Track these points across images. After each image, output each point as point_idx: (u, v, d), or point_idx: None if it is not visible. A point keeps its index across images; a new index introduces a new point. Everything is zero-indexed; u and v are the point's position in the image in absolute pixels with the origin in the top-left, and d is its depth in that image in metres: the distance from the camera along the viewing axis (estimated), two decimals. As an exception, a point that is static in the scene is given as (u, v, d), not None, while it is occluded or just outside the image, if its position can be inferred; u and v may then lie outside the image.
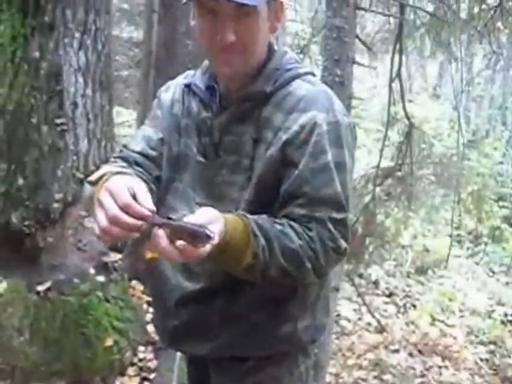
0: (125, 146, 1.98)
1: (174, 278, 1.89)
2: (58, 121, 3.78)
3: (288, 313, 1.86)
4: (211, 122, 1.82)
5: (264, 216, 1.67)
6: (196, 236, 1.42)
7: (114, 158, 1.95)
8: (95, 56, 3.95)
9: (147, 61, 7.71)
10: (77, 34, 3.82)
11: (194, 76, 1.93)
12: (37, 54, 3.70)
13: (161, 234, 1.42)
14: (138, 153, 1.93)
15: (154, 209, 1.46)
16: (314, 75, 1.88)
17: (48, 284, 3.77)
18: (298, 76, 1.81)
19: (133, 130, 11.51)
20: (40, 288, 3.75)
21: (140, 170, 1.87)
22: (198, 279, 1.84)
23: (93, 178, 1.72)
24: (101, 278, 3.92)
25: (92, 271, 3.92)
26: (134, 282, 4.40)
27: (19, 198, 3.77)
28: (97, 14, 3.91)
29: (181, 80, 1.99)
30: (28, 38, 3.68)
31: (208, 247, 1.44)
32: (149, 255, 1.52)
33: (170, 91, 1.99)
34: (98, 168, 3.91)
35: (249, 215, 1.64)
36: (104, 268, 4.00)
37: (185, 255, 1.43)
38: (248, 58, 1.72)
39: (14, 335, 3.69)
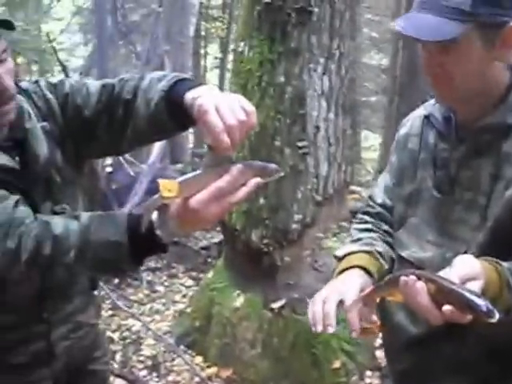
0: (370, 198, 1.99)
1: (401, 320, 1.81)
2: (300, 144, 3.88)
3: None
4: (448, 154, 1.72)
5: None
6: (471, 309, 1.25)
7: (362, 213, 2.00)
8: (338, 81, 4.02)
9: (392, 87, 7.74)
10: (321, 60, 3.91)
11: (433, 106, 1.83)
12: (282, 78, 3.85)
13: (422, 288, 1.34)
14: (380, 205, 1.94)
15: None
16: None
17: (282, 302, 3.87)
18: None
19: (376, 155, 11.65)
20: (274, 305, 3.86)
21: (384, 228, 1.92)
22: (423, 324, 1.70)
23: (340, 253, 1.80)
24: (331, 300, 3.93)
25: (326, 292, 3.94)
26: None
27: (259, 217, 3.92)
28: (341, 39, 3.98)
29: (421, 111, 1.90)
30: (275, 63, 3.85)
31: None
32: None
33: (407, 126, 1.92)
34: (336, 191, 3.98)
35: (503, 263, 1.48)
36: (335, 290, 4.01)
37: (447, 319, 1.32)
38: (456, 88, 1.59)
39: (247, 348, 3.84)
